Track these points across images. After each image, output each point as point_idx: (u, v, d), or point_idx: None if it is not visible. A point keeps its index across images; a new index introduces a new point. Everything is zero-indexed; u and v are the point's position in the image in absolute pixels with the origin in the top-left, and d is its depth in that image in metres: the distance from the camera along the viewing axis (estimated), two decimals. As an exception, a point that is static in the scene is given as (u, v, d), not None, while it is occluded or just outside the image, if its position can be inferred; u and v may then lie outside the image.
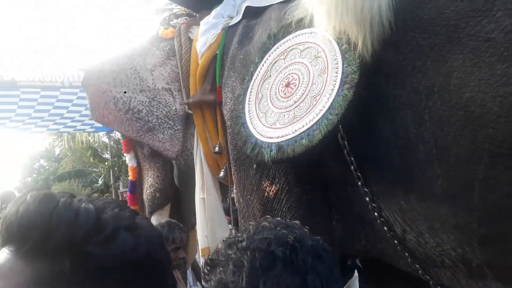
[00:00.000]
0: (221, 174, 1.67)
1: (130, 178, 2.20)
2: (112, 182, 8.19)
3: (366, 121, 1.06)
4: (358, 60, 1.02)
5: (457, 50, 0.87)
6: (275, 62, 1.28)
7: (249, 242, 0.62)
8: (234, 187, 1.54)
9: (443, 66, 0.89)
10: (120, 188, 8.13)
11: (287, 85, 1.20)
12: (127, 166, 2.34)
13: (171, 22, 1.99)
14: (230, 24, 1.66)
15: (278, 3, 1.44)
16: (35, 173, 19.59)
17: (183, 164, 1.89)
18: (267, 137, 1.18)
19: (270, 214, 1.28)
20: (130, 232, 0.45)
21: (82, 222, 0.43)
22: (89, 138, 8.15)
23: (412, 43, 0.95)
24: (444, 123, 0.89)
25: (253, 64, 1.35)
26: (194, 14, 2.03)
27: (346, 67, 1.05)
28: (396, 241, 1.10)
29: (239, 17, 1.62)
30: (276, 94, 1.23)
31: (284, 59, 1.26)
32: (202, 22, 1.76)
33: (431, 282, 1.14)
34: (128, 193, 2.22)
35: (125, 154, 2.23)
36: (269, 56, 1.31)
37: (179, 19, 1.99)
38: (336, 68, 1.08)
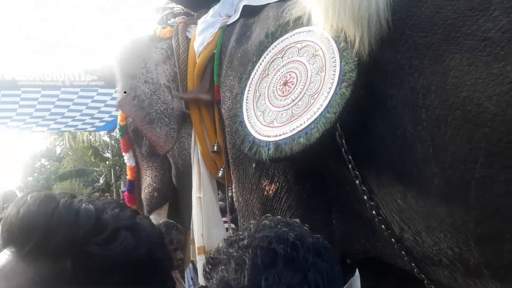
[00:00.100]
0: (220, 173, 1.68)
1: (128, 177, 2.20)
2: (113, 181, 8.20)
3: (364, 120, 1.06)
4: (356, 59, 1.02)
5: (454, 49, 0.87)
6: (273, 61, 1.28)
7: (250, 240, 0.62)
8: (233, 186, 1.55)
9: (440, 65, 0.89)
10: (121, 187, 8.13)
11: (285, 83, 1.20)
12: (128, 165, 2.34)
13: (168, 21, 1.99)
14: (228, 23, 1.66)
15: (275, 1, 1.44)
16: (36, 172, 19.65)
17: (181, 163, 1.89)
18: (265, 136, 1.18)
19: (269, 213, 1.29)
20: (130, 232, 0.46)
21: (83, 222, 0.43)
22: (90, 137, 8.16)
23: (409, 42, 0.95)
24: (441, 122, 0.89)
25: (251, 63, 1.35)
26: (192, 13, 2.02)
27: (344, 65, 1.05)
28: (393, 240, 1.11)
29: (237, 16, 1.62)
30: (274, 93, 1.23)
31: (282, 57, 1.26)
32: (199, 21, 1.75)
33: (425, 281, 1.15)
34: (126, 192, 2.22)
35: (123, 153, 2.23)
36: (267, 54, 1.31)
37: (177, 18, 1.98)
38: (334, 67, 1.08)
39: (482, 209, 0.88)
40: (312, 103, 1.09)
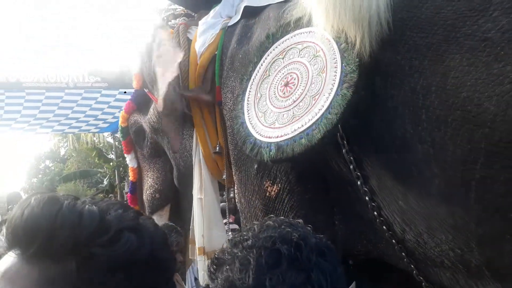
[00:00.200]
0: (224, 175, 1.68)
1: (130, 178, 2.21)
2: (117, 182, 8.23)
3: (365, 121, 1.05)
4: (357, 59, 1.02)
5: (454, 50, 0.87)
6: (274, 62, 1.28)
7: (255, 241, 0.63)
8: (235, 188, 1.55)
9: (440, 65, 0.89)
10: (125, 189, 8.16)
11: (286, 84, 1.20)
12: (131, 167, 2.35)
13: (169, 23, 1.99)
14: (229, 24, 1.66)
15: (276, 2, 1.44)
16: (40, 174, 19.77)
17: (183, 165, 1.89)
18: (266, 137, 1.18)
19: (272, 214, 1.29)
20: (134, 233, 0.46)
21: (86, 223, 0.43)
22: (94, 138, 8.21)
23: (410, 43, 0.95)
24: (441, 122, 0.89)
25: (252, 64, 1.35)
26: (193, 14, 2.02)
27: (345, 66, 1.05)
28: (394, 241, 1.10)
29: (238, 17, 1.61)
30: (275, 94, 1.23)
31: (283, 58, 1.26)
32: (200, 22, 1.75)
33: (423, 283, 1.14)
34: (128, 193, 2.23)
35: (125, 155, 2.24)
36: (268, 55, 1.30)
37: (178, 19, 1.98)
38: (335, 67, 1.07)
39: (482, 209, 0.88)
40: (314, 104, 1.09)
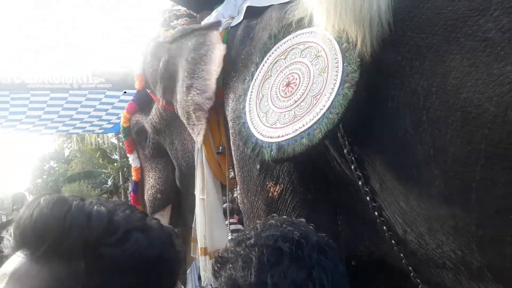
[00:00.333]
0: (231, 175, 1.67)
1: (133, 178, 2.22)
2: (121, 183, 8.25)
3: (366, 121, 1.05)
4: (358, 59, 1.02)
5: (455, 50, 0.87)
6: (275, 62, 1.28)
7: (257, 239, 0.65)
8: (237, 188, 1.56)
9: (440, 66, 0.89)
10: (129, 189, 8.18)
11: (288, 84, 1.21)
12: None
13: (171, 23, 1.99)
14: (231, 25, 1.66)
15: (279, 3, 1.45)
16: (45, 174, 19.89)
17: (185, 165, 1.90)
18: (268, 137, 1.18)
19: (275, 214, 1.29)
20: (141, 233, 0.47)
21: (95, 224, 0.44)
22: (98, 139, 8.23)
23: (410, 43, 0.95)
24: (442, 124, 0.88)
25: (254, 64, 1.35)
26: (195, 14, 2.02)
27: (347, 66, 1.04)
28: (393, 241, 1.10)
29: (241, 17, 1.61)
30: (276, 94, 1.23)
31: (284, 59, 1.26)
32: (202, 23, 1.77)
33: (420, 286, 1.14)
34: (131, 193, 2.25)
35: (128, 155, 2.25)
36: (270, 56, 1.31)
37: (180, 20, 1.99)
38: (337, 67, 1.07)
39: (483, 211, 0.87)
40: (315, 104, 1.09)
